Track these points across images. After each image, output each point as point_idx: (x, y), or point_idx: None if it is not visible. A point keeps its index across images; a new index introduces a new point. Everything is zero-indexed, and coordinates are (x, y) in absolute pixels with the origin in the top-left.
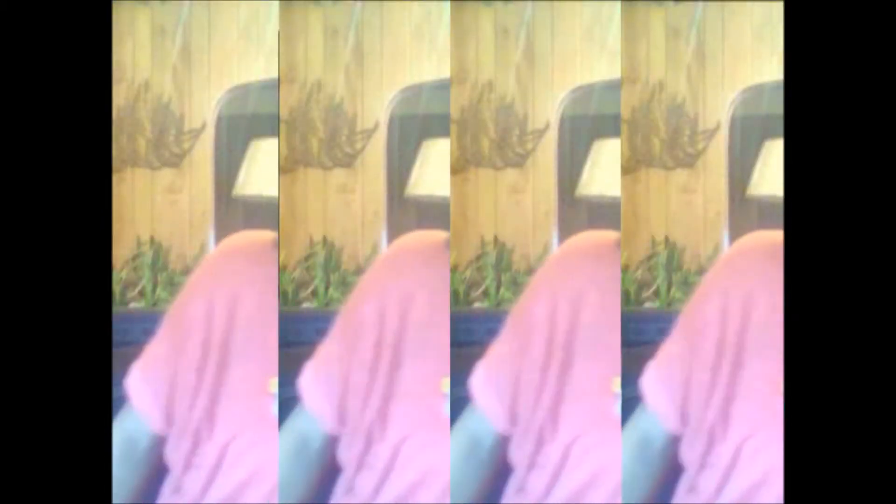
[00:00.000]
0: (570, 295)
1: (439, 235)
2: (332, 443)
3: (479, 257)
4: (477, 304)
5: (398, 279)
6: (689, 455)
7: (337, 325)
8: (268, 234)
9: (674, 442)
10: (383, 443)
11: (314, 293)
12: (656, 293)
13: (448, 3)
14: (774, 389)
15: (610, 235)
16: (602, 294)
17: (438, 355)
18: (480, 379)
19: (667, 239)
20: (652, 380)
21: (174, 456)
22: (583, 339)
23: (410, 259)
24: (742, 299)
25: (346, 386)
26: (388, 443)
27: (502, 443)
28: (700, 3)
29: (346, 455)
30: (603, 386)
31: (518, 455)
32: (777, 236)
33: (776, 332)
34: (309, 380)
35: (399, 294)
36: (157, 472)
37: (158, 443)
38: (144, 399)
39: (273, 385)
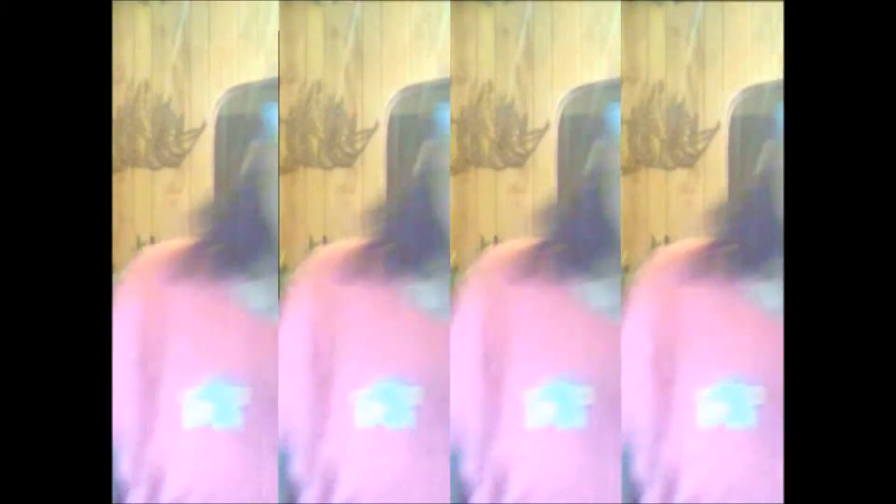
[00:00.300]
0: (495, 308)
1: (355, 243)
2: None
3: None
4: None
5: (321, 293)
6: (637, 467)
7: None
8: (179, 245)
9: (626, 454)
10: (324, 455)
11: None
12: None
13: (448, 3)
14: (704, 400)
15: (516, 245)
16: (518, 307)
17: (361, 368)
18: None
19: (667, 239)
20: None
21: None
22: (511, 351)
23: (329, 272)
24: (668, 312)
25: (285, 403)
26: (326, 455)
27: (456, 456)
28: (700, 3)
29: (295, 470)
30: (525, 397)
31: (467, 469)
32: (691, 245)
33: (705, 344)
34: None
35: (323, 308)
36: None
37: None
38: None
39: (183, 396)
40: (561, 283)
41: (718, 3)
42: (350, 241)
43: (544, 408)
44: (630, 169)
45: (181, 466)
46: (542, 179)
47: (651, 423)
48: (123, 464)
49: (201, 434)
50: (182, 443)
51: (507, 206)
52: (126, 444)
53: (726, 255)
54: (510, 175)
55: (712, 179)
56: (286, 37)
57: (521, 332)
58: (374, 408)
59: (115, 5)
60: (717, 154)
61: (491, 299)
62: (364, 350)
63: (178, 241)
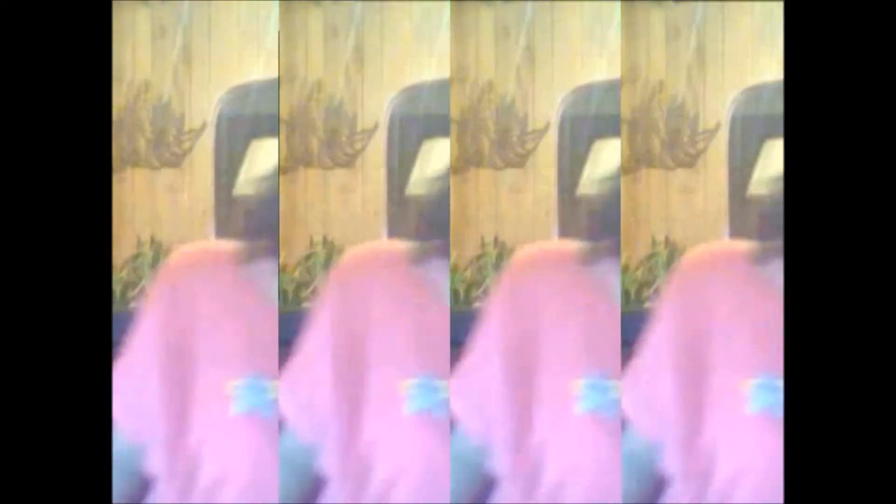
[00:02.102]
0: (530, 304)
1: (399, 246)
2: (311, 451)
3: (479, 257)
4: (477, 304)
5: (359, 288)
6: (669, 463)
7: (304, 336)
8: (228, 246)
9: (655, 450)
10: (356, 448)
11: (314, 293)
12: (657, 293)
13: (448, 3)
14: (740, 396)
15: (568, 246)
16: (564, 302)
17: (401, 360)
18: (453, 393)
19: (667, 239)
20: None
21: (154, 465)
22: (545, 345)
23: (371, 268)
24: (702, 309)
25: (314, 396)
26: (360, 448)
27: (482, 453)
28: (700, 3)
29: (325, 463)
30: (566, 390)
31: (496, 465)
32: (735, 246)
33: (739, 339)
34: (283, 391)
35: (361, 302)
36: (140, 484)
37: (137, 453)
38: (119, 410)
39: (229, 387)
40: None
41: (718, 3)
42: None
43: (576, 401)
44: (630, 169)
45: (212, 458)
46: (541, 179)
47: (679, 416)
48: (158, 458)
49: (228, 425)
50: (213, 435)
51: (507, 206)
52: (157, 438)
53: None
54: (510, 175)
55: (712, 179)
56: (286, 37)
57: (552, 328)
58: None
59: (115, 5)
60: (717, 154)
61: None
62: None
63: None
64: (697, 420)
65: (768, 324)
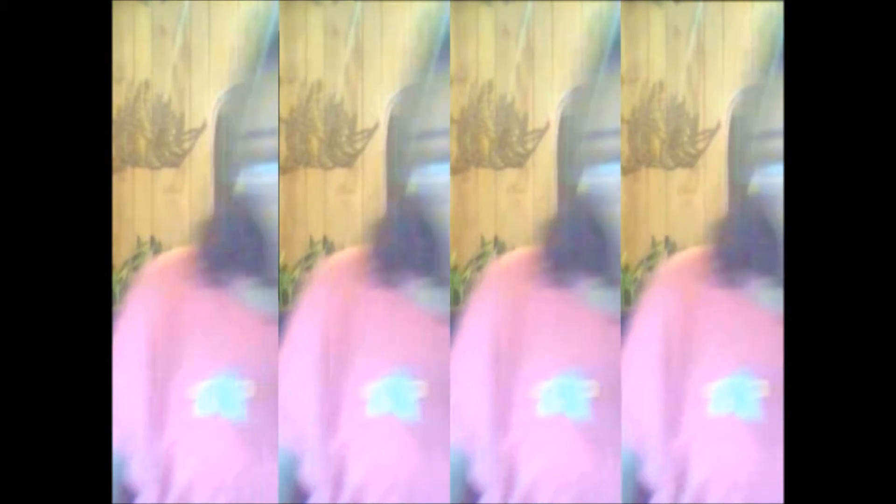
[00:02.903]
0: (507, 310)
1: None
2: (295, 459)
3: (479, 257)
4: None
5: (332, 296)
6: (650, 470)
7: (283, 346)
8: (186, 251)
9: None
10: (334, 454)
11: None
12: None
13: (448, 3)
14: (711, 395)
15: (523, 254)
16: (537, 307)
17: (370, 365)
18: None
19: (667, 239)
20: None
21: (138, 474)
22: (522, 352)
23: (342, 276)
24: (679, 312)
25: (294, 401)
26: (336, 452)
27: (465, 459)
28: (700, 3)
29: (307, 471)
30: (534, 392)
31: (477, 470)
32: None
33: (713, 343)
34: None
35: (335, 310)
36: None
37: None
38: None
39: (192, 392)
40: (565, 284)
41: (718, 3)
42: (356, 248)
43: (553, 400)
44: (630, 169)
45: (189, 459)
46: (542, 179)
47: (660, 417)
48: (134, 464)
49: (209, 425)
50: (191, 436)
51: (507, 206)
52: (135, 445)
53: (732, 260)
54: (510, 175)
55: (712, 179)
56: (286, 37)
57: (530, 330)
58: (382, 400)
59: (115, 5)
60: (717, 154)
61: (502, 300)
62: (371, 346)
63: (184, 248)
64: (675, 424)
65: (736, 327)
